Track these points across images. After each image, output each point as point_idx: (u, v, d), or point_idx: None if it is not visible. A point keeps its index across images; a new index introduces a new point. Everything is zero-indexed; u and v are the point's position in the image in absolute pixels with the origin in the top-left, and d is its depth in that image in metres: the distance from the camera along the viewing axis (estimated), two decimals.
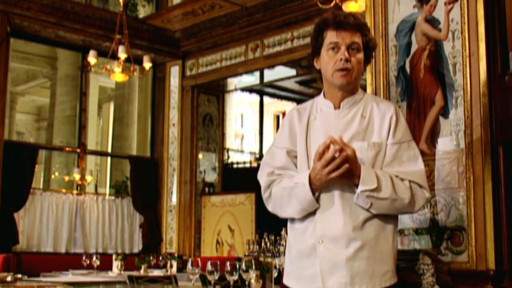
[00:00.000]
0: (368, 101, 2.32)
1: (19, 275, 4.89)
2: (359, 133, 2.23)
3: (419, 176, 2.23)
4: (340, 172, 2.10)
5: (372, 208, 2.16)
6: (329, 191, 2.19)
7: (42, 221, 8.64)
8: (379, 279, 2.16)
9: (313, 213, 2.21)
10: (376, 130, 2.25)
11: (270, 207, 2.33)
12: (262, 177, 2.34)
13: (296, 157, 2.29)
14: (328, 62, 2.25)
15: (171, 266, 6.69)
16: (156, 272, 6.21)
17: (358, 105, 2.30)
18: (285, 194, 2.24)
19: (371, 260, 2.15)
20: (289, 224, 2.34)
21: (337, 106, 2.30)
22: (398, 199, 2.16)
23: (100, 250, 8.99)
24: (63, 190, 9.97)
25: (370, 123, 2.26)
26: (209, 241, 9.36)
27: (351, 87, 2.28)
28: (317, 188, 2.17)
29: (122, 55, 7.38)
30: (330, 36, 2.25)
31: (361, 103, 2.30)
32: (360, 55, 2.26)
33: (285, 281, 2.33)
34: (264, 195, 2.34)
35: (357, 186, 2.14)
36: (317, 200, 2.19)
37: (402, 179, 2.19)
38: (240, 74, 9.56)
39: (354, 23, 2.24)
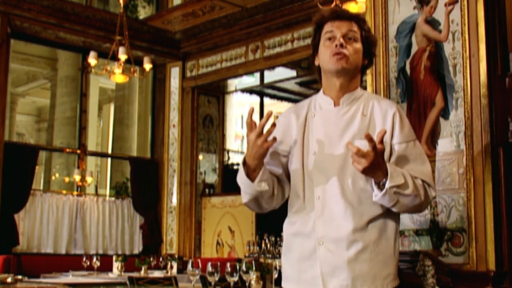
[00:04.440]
0: (369, 99, 2.29)
1: (19, 276, 4.89)
2: (361, 131, 2.20)
3: (428, 175, 2.21)
4: (370, 160, 2.00)
5: (397, 205, 2.12)
6: (330, 191, 2.16)
7: (43, 222, 8.63)
8: (381, 282, 2.13)
9: (312, 213, 2.18)
10: (379, 128, 2.21)
11: None
12: None
13: (284, 156, 2.27)
14: (325, 52, 2.24)
15: (172, 267, 6.67)
16: (157, 273, 6.20)
17: (358, 102, 2.27)
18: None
19: (373, 262, 2.12)
20: (286, 225, 2.29)
21: (337, 103, 2.28)
22: (418, 195, 2.13)
23: (100, 251, 8.97)
24: (64, 191, 9.97)
25: (372, 121, 2.24)
26: (209, 242, 9.35)
27: (349, 76, 2.24)
28: (253, 166, 2.14)
29: (123, 56, 7.37)
30: (327, 28, 2.26)
31: (361, 100, 2.28)
32: (358, 45, 2.23)
33: (284, 284, 2.27)
34: None
35: (379, 184, 2.09)
36: (261, 180, 2.16)
37: (415, 177, 2.17)
38: (240, 75, 9.55)
39: (351, 14, 2.27)
